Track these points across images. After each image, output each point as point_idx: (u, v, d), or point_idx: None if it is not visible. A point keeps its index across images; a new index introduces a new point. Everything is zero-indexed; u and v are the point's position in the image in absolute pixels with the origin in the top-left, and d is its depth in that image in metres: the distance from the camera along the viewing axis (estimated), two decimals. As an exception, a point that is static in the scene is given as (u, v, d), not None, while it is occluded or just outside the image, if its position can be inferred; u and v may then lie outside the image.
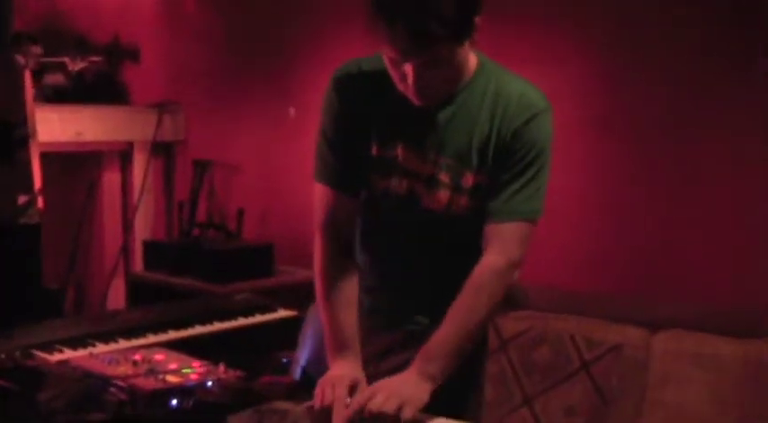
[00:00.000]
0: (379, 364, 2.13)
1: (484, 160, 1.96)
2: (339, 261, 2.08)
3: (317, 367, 2.17)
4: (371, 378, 2.00)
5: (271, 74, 4.56)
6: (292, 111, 4.44)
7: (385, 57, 1.87)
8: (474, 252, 2.01)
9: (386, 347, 2.15)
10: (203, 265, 4.20)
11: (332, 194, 2.07)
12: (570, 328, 3.26)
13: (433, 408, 1.91)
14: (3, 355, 2.18)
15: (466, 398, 2.14)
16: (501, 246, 1.96)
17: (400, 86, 1.91)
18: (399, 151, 2.01)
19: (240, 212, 4.52)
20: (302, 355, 2.31)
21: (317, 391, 1.90)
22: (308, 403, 1.91)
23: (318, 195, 2.09)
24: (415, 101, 1.91)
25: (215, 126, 4.79)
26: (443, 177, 2.00)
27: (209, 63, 4.83)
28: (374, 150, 2.02)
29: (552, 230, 3.48)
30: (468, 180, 1.98)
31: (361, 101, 2.02)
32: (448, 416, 1.93)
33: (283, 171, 4.48)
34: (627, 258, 3.37)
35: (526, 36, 3.56)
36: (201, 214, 4.73)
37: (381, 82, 1.96)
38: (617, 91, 3.39)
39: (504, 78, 1.99)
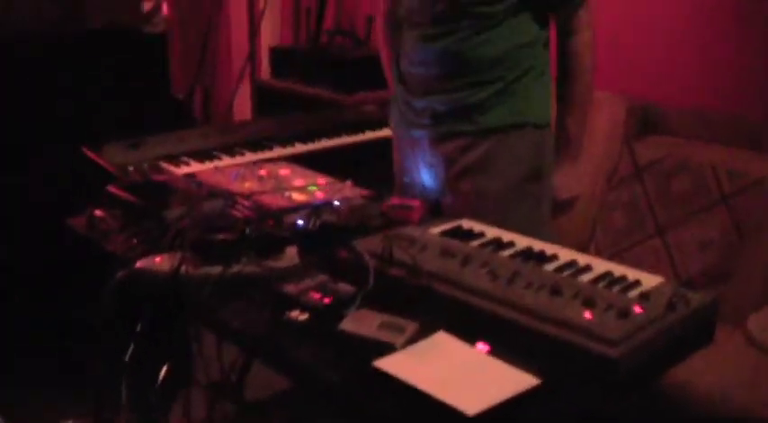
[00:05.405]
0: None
1: None
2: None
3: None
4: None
5: None
6: None
7: None
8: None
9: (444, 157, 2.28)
10: (331, 73, 4.10)
11: None
12: (712, 158, 3.04)
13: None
14: (132, 168, 2.18)
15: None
16: (574, 27, 2.27)
17: None
18: None
19: (369, 19, 4.38)
20: (422, 177, 2.29)
21: None
22: None
23: None
24: None
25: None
26: None
27: None
28: None
29: (697, 45, 3.24)
30: None
31: None
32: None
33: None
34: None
35: None
36: (329, 21, 4.60)
37: None
38: None
39: None
